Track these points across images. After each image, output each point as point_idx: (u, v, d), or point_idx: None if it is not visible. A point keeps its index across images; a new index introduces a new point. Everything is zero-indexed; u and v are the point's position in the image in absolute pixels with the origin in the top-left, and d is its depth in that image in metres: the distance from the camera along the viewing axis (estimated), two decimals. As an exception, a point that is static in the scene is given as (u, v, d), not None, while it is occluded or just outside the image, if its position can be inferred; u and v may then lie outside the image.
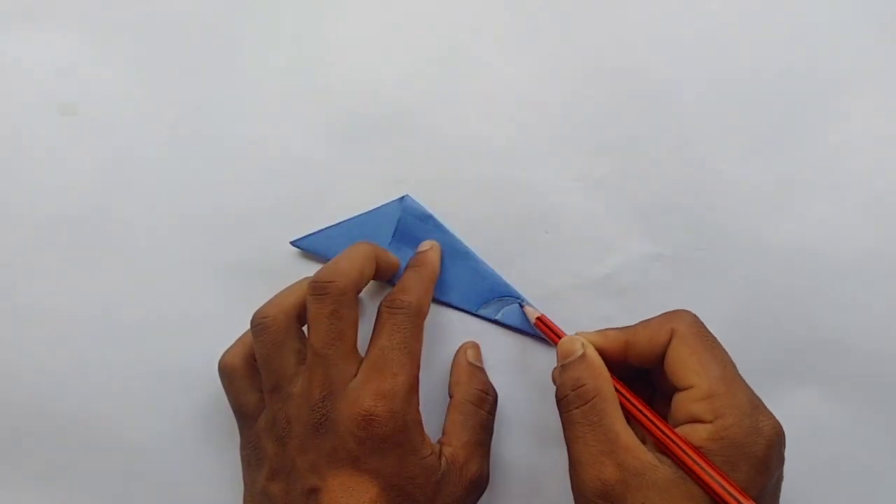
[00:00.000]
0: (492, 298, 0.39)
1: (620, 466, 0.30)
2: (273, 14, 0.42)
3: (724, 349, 0.32)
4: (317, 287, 0.33)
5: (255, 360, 0.36)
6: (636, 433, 0.31)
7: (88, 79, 0.41)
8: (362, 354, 0.34)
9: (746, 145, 0.40)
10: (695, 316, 0.33)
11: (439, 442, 0.35)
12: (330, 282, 0.33)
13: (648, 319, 0.34)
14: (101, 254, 0.40)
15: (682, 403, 0.31)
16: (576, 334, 0.35)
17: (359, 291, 0.34)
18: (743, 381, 0.31)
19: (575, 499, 0.32)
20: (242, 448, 0.36)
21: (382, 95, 0.41)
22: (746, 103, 0.40)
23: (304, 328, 0.35)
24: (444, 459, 0.34)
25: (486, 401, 0.37)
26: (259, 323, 0.34)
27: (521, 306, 0.39)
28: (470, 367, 0.38)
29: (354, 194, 0.40)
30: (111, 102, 0.41)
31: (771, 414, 0.30)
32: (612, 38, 0.41)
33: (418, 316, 0.34)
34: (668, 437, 0.30)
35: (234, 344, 0.36)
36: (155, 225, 0.41)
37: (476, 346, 0.39)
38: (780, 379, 0.38)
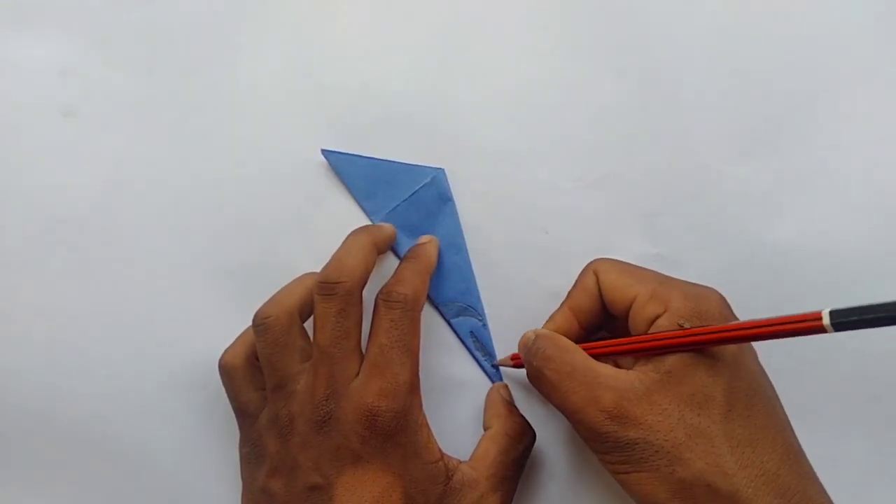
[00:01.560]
0: (457, 301, 0.40)
1: (612, 390, 0.31)
2: (273, 14, 0.42)
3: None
4: (325, 287, 0.33)
5: (256, 359, 0.36)
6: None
7: (89, 80, 0.41)
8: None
9: (746, 145, 0.40)
10: (608, 258, 0.36)
11: (463, 462, 0.34)
12: (338, 282, 0.33)
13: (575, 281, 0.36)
14: (101, 254, 0.40)
15: (637, 315, 0.33)
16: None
17: (363, 286, 0.35)
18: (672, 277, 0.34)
19: (592, 447, 0.32)
20: (242, 445, 0.36)
21: (382, 95, 0.41)
22: (746, 103, 0.40)
23: (306, 325, 0.35)
24: (459, 476, 0.33)
25: (527, 436, 0.37)
26: (262, 323, 0.34)
27: (494, 366, 0.39)
28: (509, 404, 0.38)
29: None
30: (112, 103, 0.41)
31: (708, 286, 0.33)
32: (612, 39, 0.41)
33: (414, 309, 0.34)
34: (640, 341, 0.32)
35: (235, 342, 0.37)
36: (155, 225, 0.41)
37: (507, 387, 0.39)
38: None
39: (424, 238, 0.39)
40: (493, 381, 0.40)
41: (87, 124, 0.41)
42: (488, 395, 0.39)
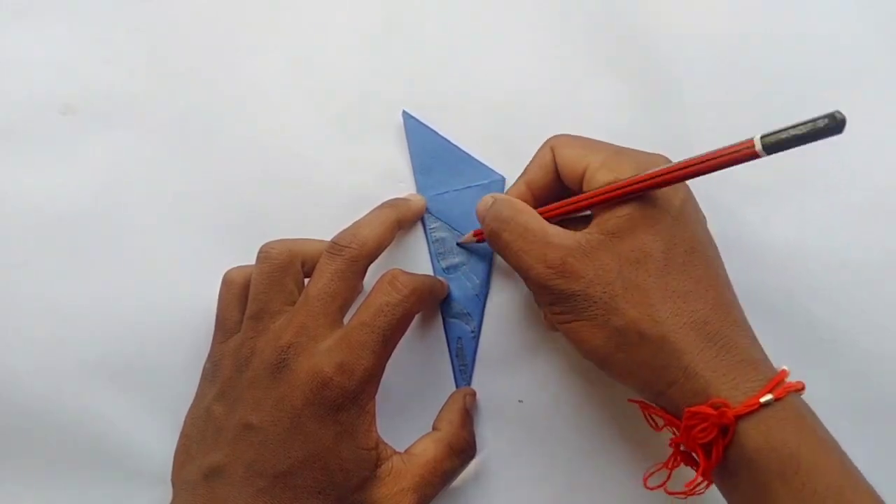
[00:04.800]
0: (460, 303, 0.40)
1: (559, 248, 0.33)
2: (273, 14, 0.42)
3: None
4: (334, 247, 0.35)
5: None
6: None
7: (89, 78, 0.41)
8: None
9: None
10: (566, 134, 0.37)
11: (398, 454, 0.35)
12: (346, 246, 0.34)
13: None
14: (101, 253, 0.40)
15: (588, 184, 0.34)
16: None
17: (372, 260, 0.35)
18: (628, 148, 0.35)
19: (539, 299, 0.35)
20: (207, 361, 0.37)
21: (382, 95, 0.41)
22: (746, 103, 0.40)
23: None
24: (388, 466, 0.34)
25: (467, 453, 0.37)
26: (264, 252, 0.36)
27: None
28: (466, 413, 0.38)
29: (355, 194, 0.40)
30: (111, 102, 0.41)
31: (659, 154, 0.34)
32: (612, 39, 0.41)
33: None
34: (587, 197, 0.34)
35: (247, 265, 0.37)
36: (155, 224, 0.41)
37: (474, 395, 0.39)
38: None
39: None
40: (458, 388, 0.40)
41: (87, 123, 0.41)
42: (451, 395, 0.39)
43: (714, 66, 0.41)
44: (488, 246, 0.37)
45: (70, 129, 0.41)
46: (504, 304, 0.40)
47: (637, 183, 0.32)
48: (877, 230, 0.39)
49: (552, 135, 0.37)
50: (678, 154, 0.35)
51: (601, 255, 0.32)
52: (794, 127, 0.27)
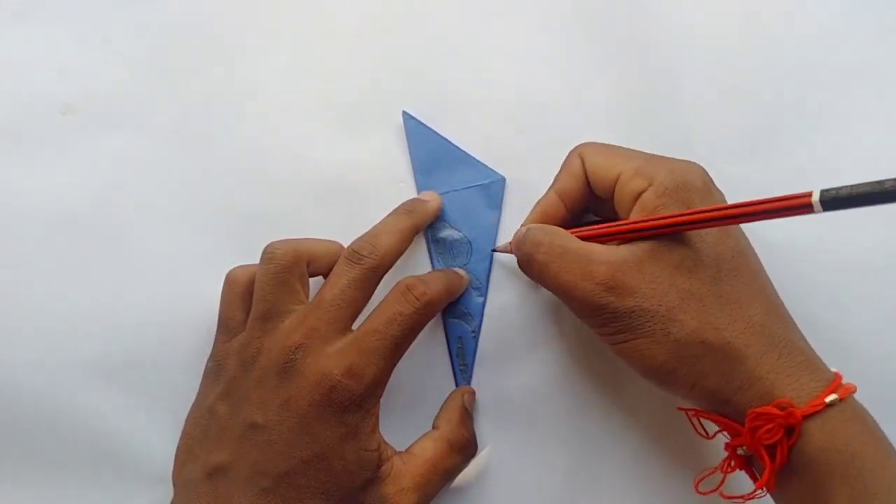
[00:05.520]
0: (461, 304, 0.40)
1: (605, 264, 0.32)
2: (273, 14, 0.42)
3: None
4: (353, 255, 0.35)
5: None
6: None
7: (89, 78, 0.41)
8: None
9: (746, 145, 0.40)
10: (594, 141, 0.36)
11: (398, 454, 0.35)
12: (366, 256, 0.34)
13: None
14: (101, 253, 0.40)
15: (621, 191, 0.34)
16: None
17: (388, 269, 0.35)
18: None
19: (588, 321, 0.34)
20: (209, 360, 0.37)
21: (383, 95, 0.41)
22: (746, 103, 0.40)
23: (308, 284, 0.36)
24: (388, 466, 0.34)
25: (467, 451, 0.37)
26: (269, 252, 0.35)
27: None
28: (465, 412, 0.38)
29: (355, 194, 0.40)
30: (111, 102, 0.41)
31: (692, 161, 0.34)
32: (612, 39, 0.41)
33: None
34: (627, 223, 0.33)
35: (250, 264, 0.37)
36: (155, 224, 0.41)
37: (473, 394, 0.39)
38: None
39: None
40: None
41: (87, 123, 0.41)
42: (450, 395, 0.39)
43: (714, 66, 0.41)
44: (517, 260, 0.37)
45: (70, 129, 0.41)
46: (504, 304, 0.40)
47: (684, 216, 0.32)
48: (877, 230, 0.39)
49: (582, 142, 0.37)
50: (678, 154, 0.35)
51: (651, 267, 0.32)
52: (856, 187, 0.26)
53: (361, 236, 0.36)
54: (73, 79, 0.41)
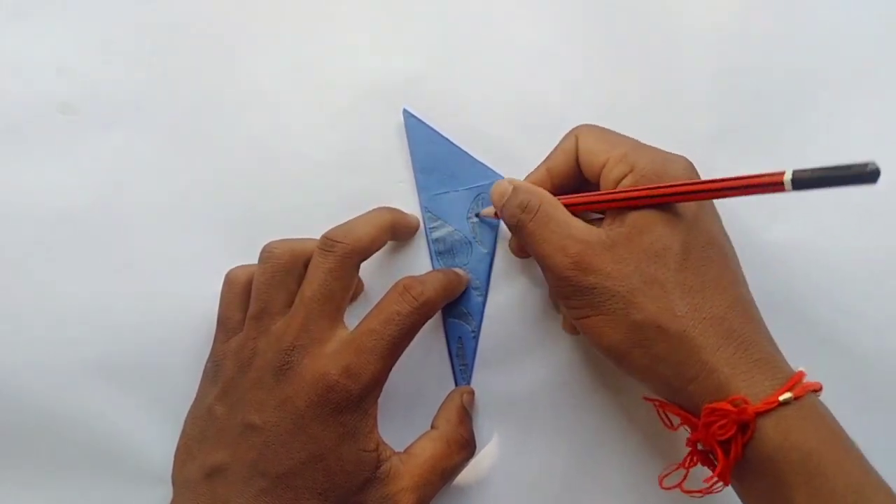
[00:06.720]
0: (461, 303, 0.40)
1: (579, 241, 0.33)
2: (273, 13, 0.42)
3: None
4: (325, 242, 0.35)
5: None
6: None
7: (89, 78, 0.41)
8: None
9: (746, 145, 0.40)
10: (592, 124, 0.36)
11: (397, 454, 0.35)
12: (338, 241, 0.34)
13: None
14: (101, 253, 0.40)
15: (606, 177, 0.34)
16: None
17: (365, 258, 0.35)
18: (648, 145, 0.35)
19: (557, 291, 0.34)
20: (208, 360, 0.37)
21: (383, 94, 0.41)
22: (746, 103, 0.40)
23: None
24: (387, 467, 0.34)
25: (466, 451, 0.37)
26: (267, 251, 0.36)
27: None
28: (464, 411, 0.38)
29: (355, 193, 0.40)
30: (111, 102, 0.41)
31: (679, 154, 0.35)
32: (612, 38, 0.41)
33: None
34: (608, 194, 0.34)
35: (249, 264, 0.37)
36: (155, 224, 0.41)
37: (472, 394, 0.39)
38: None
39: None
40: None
41: (87, 123, 0.41)
42: (449, 395, 0.39)
43: (714, 67, 0.41)
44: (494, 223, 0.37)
45: (70, 129, 0.41)
46: (504, 304, 0.40)
47: (661, 189, 0.32)
48: (877, 230, 0.39)
49: (581, 124, 0.37)
50: (677, 153, 0.36)
51: (620, 250, 0.33)
52: (828, 169, 0.27)
53: (337, 225, 0.35)
54: (72, 78, 0.41)
